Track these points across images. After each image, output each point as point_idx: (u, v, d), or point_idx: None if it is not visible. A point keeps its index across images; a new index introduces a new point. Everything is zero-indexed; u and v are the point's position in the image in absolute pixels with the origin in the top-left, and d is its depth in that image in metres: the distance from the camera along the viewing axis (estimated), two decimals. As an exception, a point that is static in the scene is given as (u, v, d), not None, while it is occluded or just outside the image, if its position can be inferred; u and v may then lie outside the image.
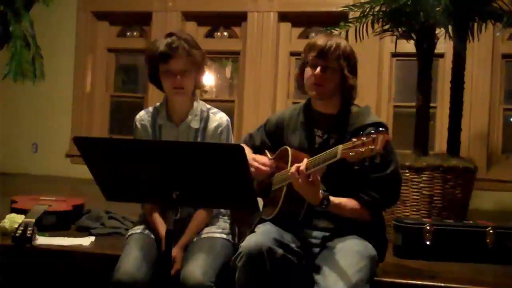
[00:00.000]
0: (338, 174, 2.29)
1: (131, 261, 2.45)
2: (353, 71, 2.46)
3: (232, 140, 2.81)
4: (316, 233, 2.46)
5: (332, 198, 2.27)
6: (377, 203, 2.38)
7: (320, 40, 2.44)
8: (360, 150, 1.98)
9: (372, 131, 1.99)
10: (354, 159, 2.00)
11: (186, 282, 2.36)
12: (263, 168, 2.54)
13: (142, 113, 2.80)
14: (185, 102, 2.72)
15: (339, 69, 2.41)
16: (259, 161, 2.56)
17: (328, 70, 2.41)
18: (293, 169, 2.21)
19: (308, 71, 2.46)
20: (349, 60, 2.43)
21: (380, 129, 1.99)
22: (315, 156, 2.20)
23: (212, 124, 2.73)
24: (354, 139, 2.02)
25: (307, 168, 2.18)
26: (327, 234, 2.43)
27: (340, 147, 2.07)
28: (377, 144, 1.95)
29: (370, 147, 1.96)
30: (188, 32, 2.76)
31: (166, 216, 2.61)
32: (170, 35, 2.63)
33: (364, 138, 1.98)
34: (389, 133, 2.38)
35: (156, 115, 2.76)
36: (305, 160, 2.20)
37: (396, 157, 2.42)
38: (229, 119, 2.79)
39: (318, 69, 2.41)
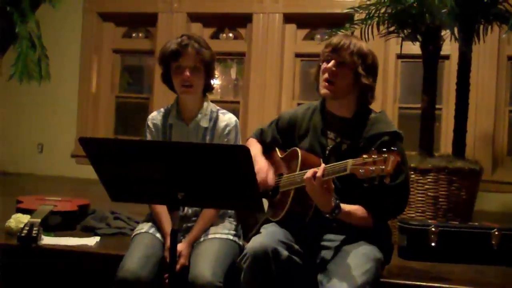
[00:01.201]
0: (346, 183, 2.27)
1: (135, 259, 2.46)
2: (370, 71, 2.40)
3: (240, 141, 2.83)
4: (324, 236, 2.44)
5: (343, 206, 2.24)
6: (384, 212, 2.36)
7: (336, 38, 2.42)
8: (370, 168, 1.96)
9: (384, 149, 1.97)
10: (364, 176, 1.99)
11: (196, 282, 2.37)
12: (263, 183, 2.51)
13: (154, 113, 2.87)
14: (195, 102, 2.76)
15: (352, 66, 2.37)
16: (257, 161, 2.54)
17: (341, 65, 2.37)
18: (309, 173, 2.17)
19: (322, 66, 2.42)
20: (365, 58, 2.38)
21: (392, 148, 1.96)
22: (329, 165, 2.18)
23: (221, 124, 2.77)
24: (365, 155, 2.00)
25: (323, 175, 2.15)
26: (336, 237, 2.41)
27: (350, 162, 2.05)
28: (388, 165, 1.93)
29: (380, 167, 1.94)
30: (199, 35, 2.81)
31: (172, 216, 2.62)
32: (181, 36, 2.71)
33: (375, 156, 1.96)
34: (403, 141, 2.38)
35: (167, 115, 2.82)
36: (323, 166, 2.17)
37: (407, 168, 2.38)
38: (237, 120, 2.82)
39: (331, 62, 2.38)
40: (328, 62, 2.40)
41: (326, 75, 2.39)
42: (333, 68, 2.38)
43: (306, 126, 2.56)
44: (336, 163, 2.14)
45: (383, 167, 1.94)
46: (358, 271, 2.17)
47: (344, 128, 2.45)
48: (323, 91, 2.41)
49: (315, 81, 2.51)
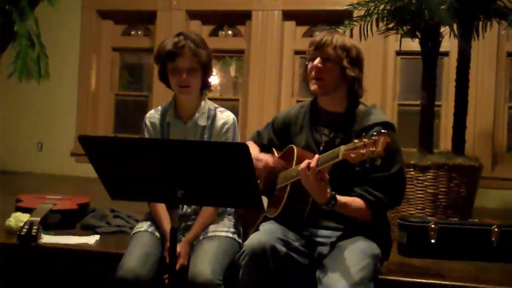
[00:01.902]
0: (340, 174, 2.27)
1: (134, 258, 2.47)
2: (355, 63, 2.43)
3: (238, 138, 2.83)
4: (321, 232, 2.46)
5: (339, 198, 2.25)
6: (381, 203, 2.36)
7: (319, 35, 2.47)
8: (361, 151, 1.98)
9: (375, 133, 1.98)
10: (355, 160, 2.00)
11: (195, 280, 2.38)
12: (267, 167, 2.56)
13: (152, 111, 2.86)
14: (192, 100, 2.76)
15: (337, 60, 2.40)
16: (262, 159, 2.57)
17: (326, 61, 2.40)
18: (303, 165, 2.18)
19: (309, 65, 2.47)
20: (348, 51, 2.41)
21: (382, 131, 1.98)
22: (322, 155, 2.19)
23: (218, 122, 2.77)
24: (356, 140, 2.02)
25: (317, 165, 2.16)
26: (332, 233, 2.43)
27: (342, 148, 2.06)
28: (378, 146, 1.94)
29: (371, 149, 1.96)
30: (196, 32, 2.78)
31: (171, 214, 2.62)
32: (178, 34, 2.69)
33: (366, 140, 1.98)
34: (396, 131, 2.39)
35: (165, 113, 2.81)
36: (316, 156, 2.18)
37: (401, 157, 2.40)
38: (235, 118, 2.82)
39: (317, 60, 2.42)
40: (313, 60, 2.44)
41: (313, 73, 2.43)
42: (319, 65, 2.42)
43: (300, 124, 2.59)
44: (328, 152, 2.15)
45: (373, 149, 1.95)
46: (355, 267, 2.18)
47: (337, 123, 2.47)
48: (313, 87, 2.45)
49: (303, 81, 2.54)
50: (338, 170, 2.22)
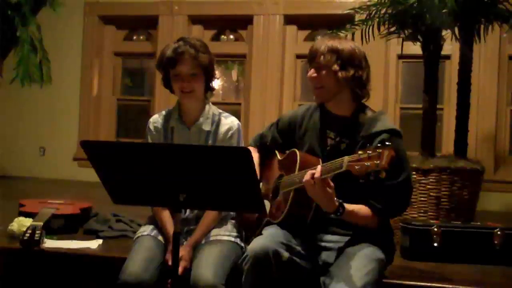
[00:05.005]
0: (344, 182, 2.25)
1: (137, 262, 2.47)
2: (348, 64, 2.38)
3: (242, 144, 2.83)
4: (327, 237, 2.45)
5: (346, 206, 2.24)
6: (387, 210, 2.36)
7: (312, 45, 2.46)
8: (366, 164, 1.97)
9: (379, 144, 1.98)
10: (360, 172, 1.99)
11: (198, 284, 2.37)
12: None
13: (155, 116, 2.86)
14: (196, 105, 2.76)
15: (328, 66, 2.37)
16: None
17: (319, 70, 2.40)
18: (307, 176, 2.17)
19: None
20: (339, 54, 2.37)
21: (387, 143, 1.96)
22: (324, 164, 2.18)
23: (223, 127, 2.76)
24: (360, 152, 2.01)
25: (321, 174, 2.15)
26: (339, 238, 2.42)
27: (346, 158, 2.05)
28: (383, 159, 1.93)
29: (375, 162, 1.95)
30: (198, 37, 2.78)
31: (174, 218, 2.62)
32: (178, 40, 2.69)
33: (370, 152, 1.97)
34: (402, 138, 2.38)
35: (168, 118, 2.81)
36: (319, 167, 2.17)
37: (408, 165, 2.39)
38: (240, 123, 2.82)
39: (310, 71, 2.43)
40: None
41: (312, 84, 2.44)
42: (313, 75, 2.42)
43: (305, 126, 2.57)
44: (332, 161, 2.14)
45: (378, 162, 1.94)
46: (360, 272, 2.18)
47: (343, 127, 2.45)
48: (314, 97, 2.47)
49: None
50: (342, 179, 2.20)
